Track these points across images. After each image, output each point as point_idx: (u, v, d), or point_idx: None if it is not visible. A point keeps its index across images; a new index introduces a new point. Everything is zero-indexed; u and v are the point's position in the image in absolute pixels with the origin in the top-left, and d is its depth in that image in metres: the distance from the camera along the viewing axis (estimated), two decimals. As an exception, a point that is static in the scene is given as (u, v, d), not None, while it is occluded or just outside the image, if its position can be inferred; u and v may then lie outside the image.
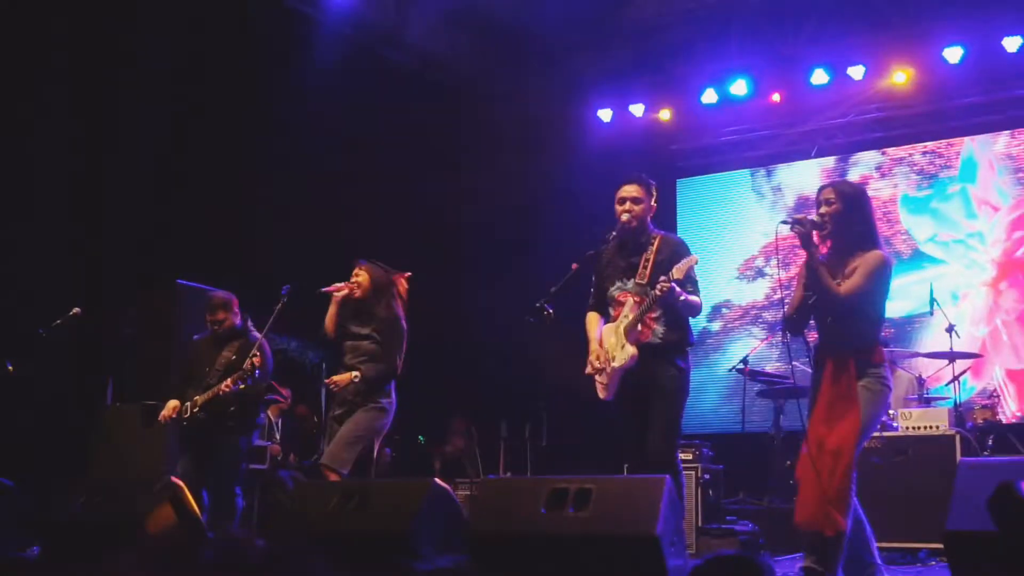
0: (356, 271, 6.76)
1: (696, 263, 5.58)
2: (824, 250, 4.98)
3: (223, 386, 6.74)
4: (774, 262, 11.80)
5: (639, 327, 5.59)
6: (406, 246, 10.70)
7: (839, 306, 4.79)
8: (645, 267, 5.66)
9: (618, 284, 5.77)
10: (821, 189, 5.03)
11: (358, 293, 6.67)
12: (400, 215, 10.86)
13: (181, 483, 5.72)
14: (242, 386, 6.67)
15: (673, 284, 5.41)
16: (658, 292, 5.43)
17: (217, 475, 6.81)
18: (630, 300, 5.66)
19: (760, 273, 11.86)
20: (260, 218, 9.92)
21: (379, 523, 4.71)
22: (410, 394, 10.48)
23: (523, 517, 4.56)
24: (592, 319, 5.89)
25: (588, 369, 5.73)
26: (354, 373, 6.53)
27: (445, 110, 11.29)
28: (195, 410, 6.86)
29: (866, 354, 4.85)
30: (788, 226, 4.92)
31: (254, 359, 6.74)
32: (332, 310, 6.72)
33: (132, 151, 9.35)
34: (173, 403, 6.96)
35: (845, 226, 4.88)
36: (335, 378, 6.58)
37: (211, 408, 6.85)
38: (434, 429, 11.60)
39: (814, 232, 4.88)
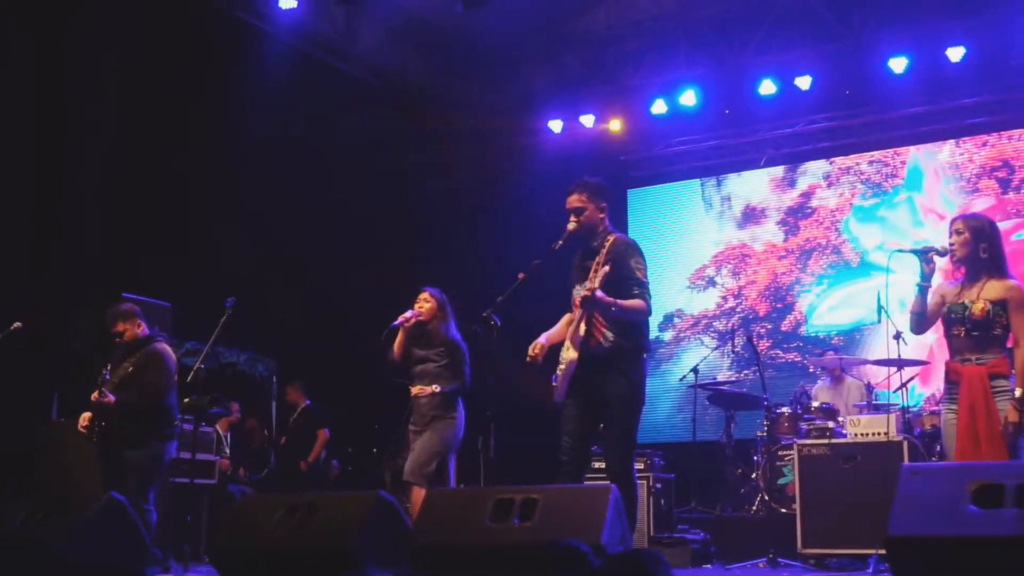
0: (424, 296, 7.18)
1: (609, 272, 5.44)
2: (959, 275, 5.58)
3: (92, 398, 6.59)
4: (724, 271, 11.87)
5: (582, 332, 5.54)
6: (358, 257, 10.67)
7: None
8: (596, 271, 5.62)
9: (577, 288, 5.73)
10: (953, 220, 5.61)
11: (424, 316, 7.09)
12: (351, 226, 10.81)
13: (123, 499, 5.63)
14: (107, 398, 6.49)
15: (595, 293, 5.36)
16: (577, 301, 5.42)
17: (121, 489, 6.68)
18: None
19: (711, 282, 11.92)
20: (209, 229, 9.84)
21: (323, 537, 4.64)
22: (362, 407, 10.48)
23: (468, 529, 4.51)
24: (565, 319, 5.85)
25: (529, 355, 5.73)
26: (434, 387, 6.93)
27: (396, 121, 11.25)
28: (86, 425, 6.71)
29: (997, 367, 5.34)
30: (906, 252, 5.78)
31: (129, 369, 6.65)
32: (400, 337, 7.08)
33: (79, 163, 9.25)
34: (85, 415, 6.78)
35: (974, 253, 5.42)
36: (418, 390, 6.99)
37: (100, 421, 6.68)
38: (386, 442, 11.53)
39: (934, 254, 5.58)
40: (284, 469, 10.34)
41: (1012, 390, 5.28)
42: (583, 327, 5.54)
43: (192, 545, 8.03)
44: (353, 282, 10.55)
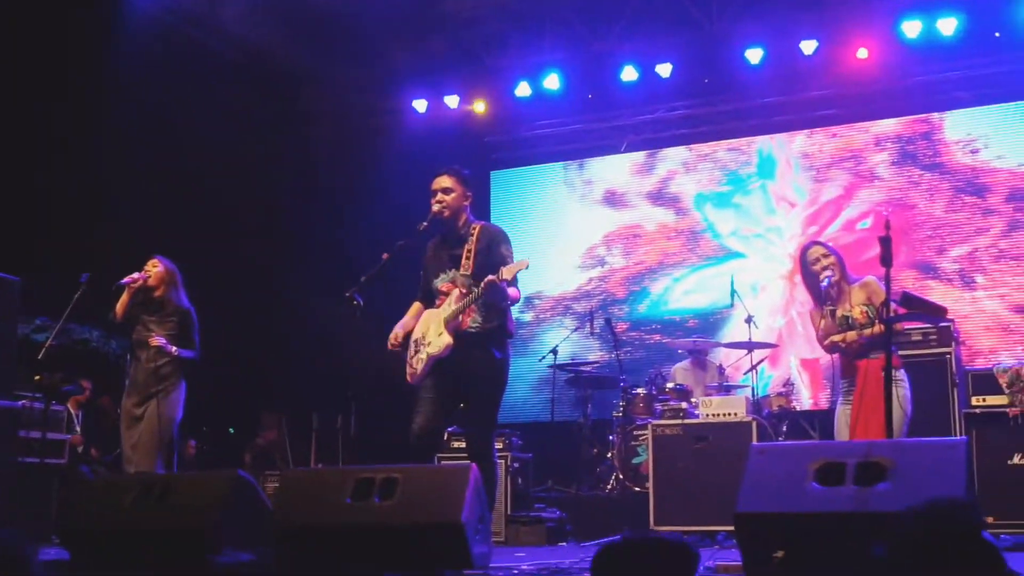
0: (152, 262, 7.10)
1: (527, 267, 5.61)
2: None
3: None
4: (585, 254, 12.03)
5: (460, 317, 5.64)
6: (218, 234, 10.49)
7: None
8: (468, 258, 5.72)
9: (442, 276, 5.82)
10: (810, 249, 6.31)
11: (152, 282, 7.01)
12: (212, 202, 10.61)
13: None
14: None
15: (503, 282, 5.45)
16: (483, 287, 5.48)
17: None
18: (456, 291, 5.69)
19: (571, 265, 12.06)
20: (64, 202, 9.56)
21: (179, 517, 4.59)
22: (221, 386, 10.32)
23: (328, 508, 4.52)
24: (414, 308, 5.93)
25: (389, 344, 5.87)
26: (174, 348, 6.87)
27: (260, 97, 11.08)
28: None
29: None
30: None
31: None
32: (125, 297, 6.96)
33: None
34: None
35: (844, 272, 6.21)
36: (159, 339, 6.85)
37: None
38: (245, 421, 11.41)
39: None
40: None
41: (903, 380, 6.02)
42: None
43: (42, 526, 7.83)
44: (211, 260, 10.38)
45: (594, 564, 3.41)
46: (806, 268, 6.28)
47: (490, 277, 5.46)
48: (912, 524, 2.89)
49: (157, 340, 6.81)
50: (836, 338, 6.06)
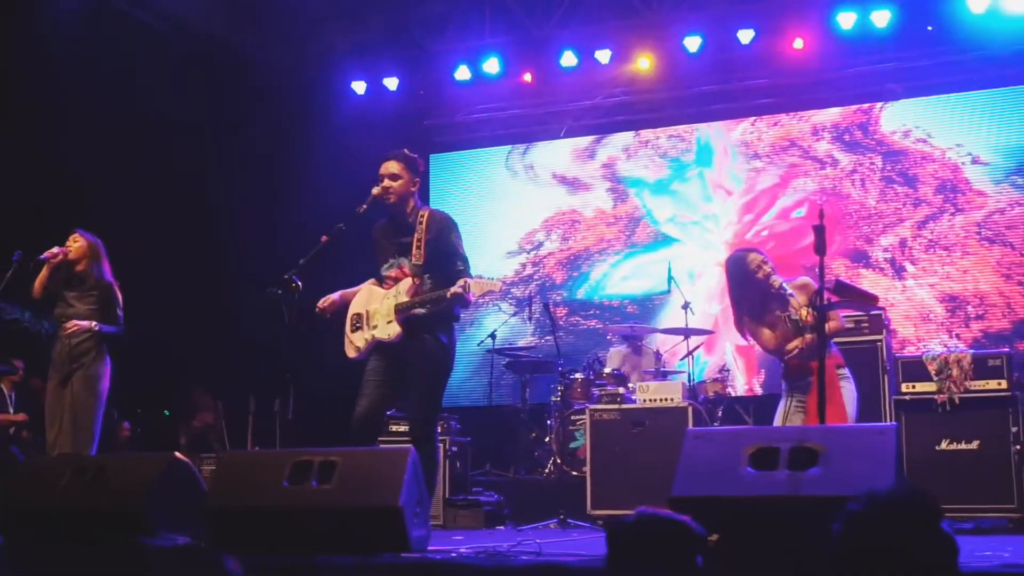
0: (73, 236, 7.01)
1: (498, 290, 5.64)
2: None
3: None
4: (523, 239, 12.06)
5: (413, 310, 5.62)
6: (153, 212, 10.35)
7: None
8: (419, 247, 5.69)
9: (391, 262, 5.78)
10: (745, 261, 6.12)
11: (73, 256, 6.91)
12: (147, 180, 10.47)
13: None
14: None
15: (470, 294, 5.45)
16: (449, 294, 5.48)
17: None
18: (408, 280, 5.65)
19: (509, 250, 12.07)
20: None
21: (115, 500, 4.56)
22: (157, 368, 10.24)
23: (265, 491, 4.52)
24: (366, 286, 5.92)
25: (318, 306, 5.87)
26: (93, 323, 6.74)
27: (195, 77, 10.92)
28: None
29: (836, 358, 6.03)
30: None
31: None
32: (43, 273, 6.88)
33: None
34: None
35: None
36: (75, 322, 6.73)
37: None
38: (180, 404, 11.30)
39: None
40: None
41: (850, 377, 6.01)
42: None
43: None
44: (144, 240, 10.26)
45: (609, 539, 3.44)
46: (748, 277, 6.07)
47: (457, 289, 5.45)
48: (870, 513, 2.93)
49: (72, 326, 6.71)
50: (797, 343, 5.92)
